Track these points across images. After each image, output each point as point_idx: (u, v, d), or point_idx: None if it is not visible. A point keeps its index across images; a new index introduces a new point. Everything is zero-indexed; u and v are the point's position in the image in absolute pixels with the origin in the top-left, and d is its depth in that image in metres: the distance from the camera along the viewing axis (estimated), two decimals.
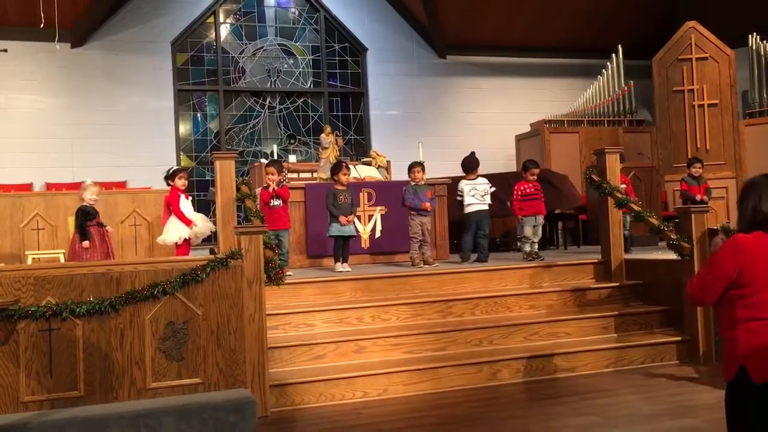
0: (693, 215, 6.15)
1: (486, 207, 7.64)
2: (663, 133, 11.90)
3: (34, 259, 7.77)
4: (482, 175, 7.83)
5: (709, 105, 11.61)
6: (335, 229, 7.13)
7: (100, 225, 7.35)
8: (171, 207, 7.30)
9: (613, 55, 12.96)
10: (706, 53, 11.67)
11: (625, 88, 12.93)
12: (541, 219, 7.82)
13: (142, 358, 4.71)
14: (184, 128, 12.92)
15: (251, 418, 4.59)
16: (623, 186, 7.73)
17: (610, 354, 5.98)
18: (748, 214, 2.75)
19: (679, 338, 6.19)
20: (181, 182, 7.37)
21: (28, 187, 11.14)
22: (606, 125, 12.82)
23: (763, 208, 2.72)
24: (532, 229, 7.69)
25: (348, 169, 7.50)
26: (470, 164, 7.76)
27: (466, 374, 5.55)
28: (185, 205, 7.37)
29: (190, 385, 4.80)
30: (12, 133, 11.49)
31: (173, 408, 4.50)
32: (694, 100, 11.65)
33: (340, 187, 7.29)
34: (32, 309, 4.45)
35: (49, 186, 11.22)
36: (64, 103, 11.88)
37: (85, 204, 7.31)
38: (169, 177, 7.42)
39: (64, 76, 11.91)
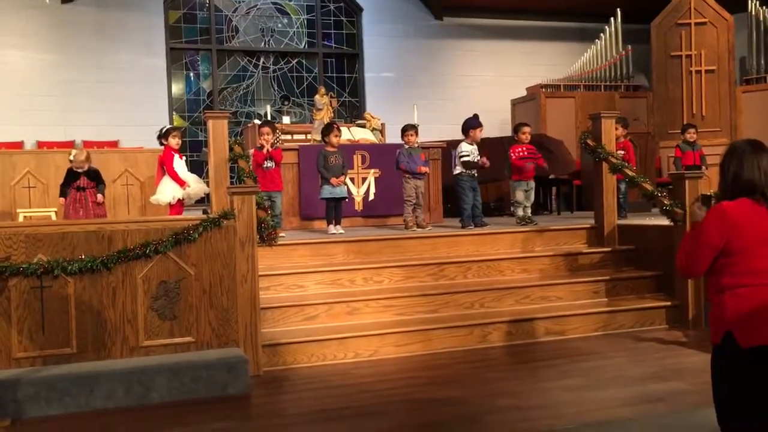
0: (687, 181, 6.16)
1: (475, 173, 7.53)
2: (659, 99, 11.84)
3: (25, 216, 7.73)
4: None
5: (707, 71, 11.53)
6: (327, 191, 7.11)
7: (79, 189, 7.17)
8: (164, 167, 7.24)
9: (612, 18, 12.82)
10: (705, 18, 11.55)
11: (623, 53, 12.81)
12: (533, 183, 7.80)
13: (135, 317, 4.72)
14: (177, 88, 12.78)
15: (243, 377, 4.63)
16: (621, 152, 7.69)
17: (600, 318, 6.04)
18: (729, 179, 2.72)
19: (669, 303, 6.24)
20: (174, 141, 7.28)
21: (19, 144, 11.05)
22: (602, 90, 12.73)
23: (744, 174, 2.68)
24: (524, 193, 7.68)
25: (339, 130, 7.45)
26: (470, 124, 7.62)
27: (458, 336, 5.59)
28: (179, 165, 7.31)
29: (183, 344, 4.82)
30: (2, 91, 11.34)
31: (166, 366, 4.53)
32: (691, 66, 11.57)
33: (330, 149, 7.24)
34: (24, 266, 4.43)
35: (40, 144, 11.14)
36: (54, 61, 11.71)
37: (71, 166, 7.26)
38: (162, 136, 7.34)
39: (54, 33, 11.72)
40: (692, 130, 9.16)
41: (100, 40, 11.91)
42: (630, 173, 6.87)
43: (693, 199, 2.97)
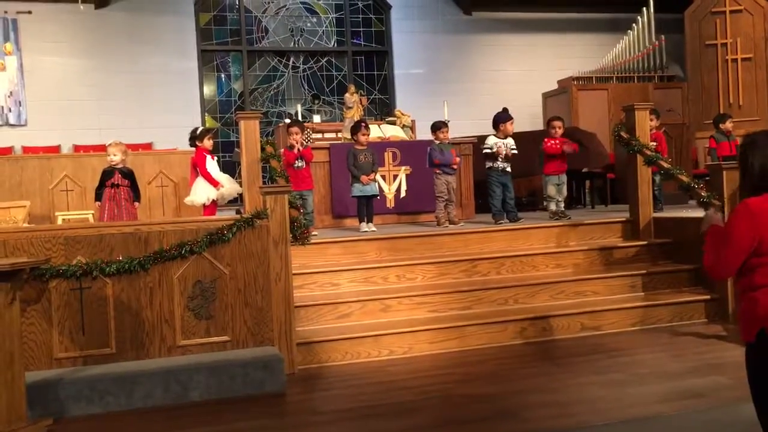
0: (724, 172, 6.03)
1: (508, 167, 7.48)
2: (694, 89, 11.61)
3: (64, 219, 7.88)
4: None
5: (743, 59, 11.26)
6: (357, 189, 7.12)
7: (113, 186, 7.00)
8: (198, 168, 7.30)
9: (644, 8, 12.61)
10: (740, 5, 11.29)
11: (656, 43, 12.59)
12: (564, 177, 7.70)
13: (172, 317, 4.79)
14: (209, 89, 12.92)
15: (279, 375, 4.67)
16: (653, 143, 7.57)
17: (637, 312, 5.95)
18: (756, 174, 2.63)
19: (708, 297, 6.12)
20: (209, 143, 7.35)
21: (56, 149, 11.27)
22: (636, 81, 12.54)
23: None
24: (555, 187, 7.59)
25: (367, 128, 7.44)
26: (500, 118, 7.59)
27: (492, 333, 5.56)
28: (212, 165, 7.37)
29: (219, 343, 4.88)
30: (39, 96, 11.59)
31: (203, 365, 4.59)
32: (727, 55, 11.31)
33: (360, 147, 7.24)
34: (63, 268, 4.53)
35: (76, 148, 11.35)
36: (88, 65, 11.93)
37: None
38: (196, 138, 7.39)
39: (88, 38, 11.93)
40: (730, 120, 8.98)
41: (132, 43, 12.09)
42: (665, 165, 6.76)
43: (711, 209, 2.90)
